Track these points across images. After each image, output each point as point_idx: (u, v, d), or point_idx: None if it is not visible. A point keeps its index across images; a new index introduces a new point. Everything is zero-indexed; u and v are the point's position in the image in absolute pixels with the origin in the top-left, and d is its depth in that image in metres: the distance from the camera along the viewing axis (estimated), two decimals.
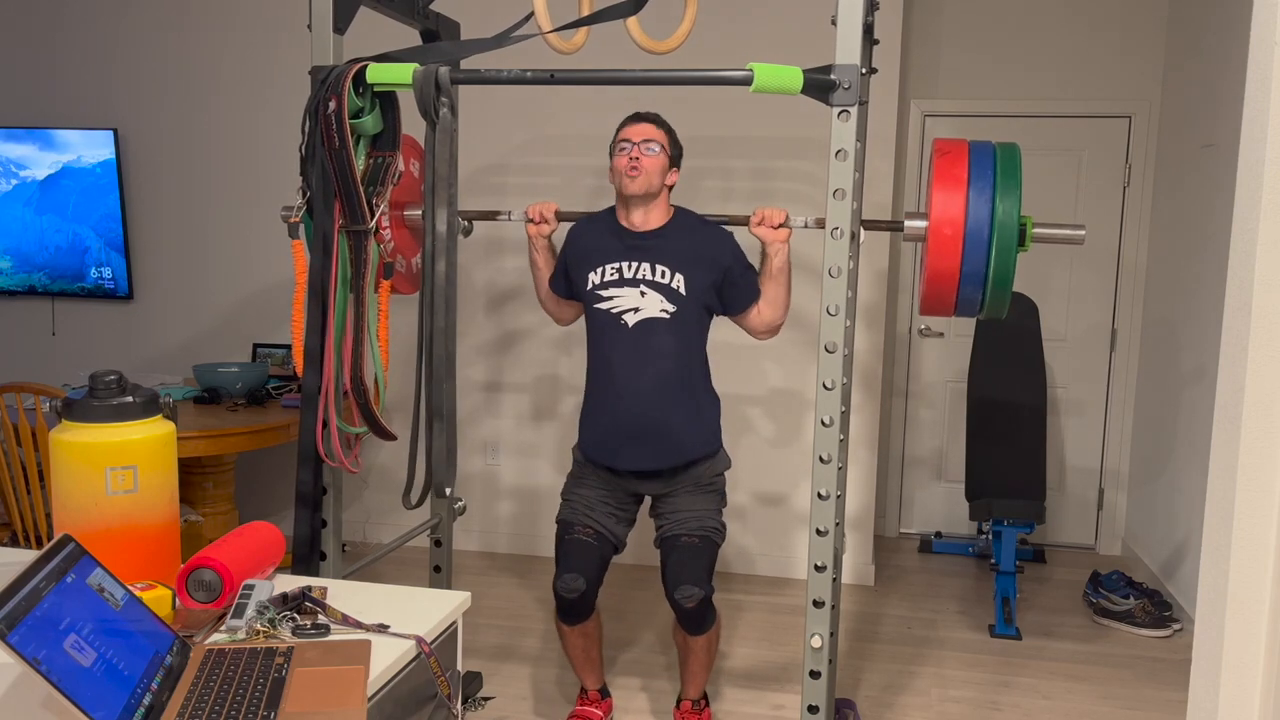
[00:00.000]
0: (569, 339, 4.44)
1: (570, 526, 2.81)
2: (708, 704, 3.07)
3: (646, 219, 2.76)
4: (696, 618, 2.77)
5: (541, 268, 2.91)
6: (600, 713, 3.05)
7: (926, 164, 2.79)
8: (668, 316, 2.71)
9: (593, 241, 2.80)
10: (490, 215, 2.90)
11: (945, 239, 2.34)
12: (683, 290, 2.72)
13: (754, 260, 2.81)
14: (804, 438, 4.33)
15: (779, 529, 4.41)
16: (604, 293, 2.75)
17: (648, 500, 2.90)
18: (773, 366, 4.31)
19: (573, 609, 2.82)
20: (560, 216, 2.83)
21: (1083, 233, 2.47)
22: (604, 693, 3.09)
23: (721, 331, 2.96)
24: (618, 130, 2.77)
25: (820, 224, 2.52)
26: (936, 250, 2.37)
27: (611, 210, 2.83)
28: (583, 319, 2.91)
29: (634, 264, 2.73)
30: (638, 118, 2.76)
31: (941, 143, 2.46)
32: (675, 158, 2.78)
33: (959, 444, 4.82)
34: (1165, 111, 4.50)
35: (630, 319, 2.72)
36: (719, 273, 2.75)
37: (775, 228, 2.65)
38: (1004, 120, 4.69)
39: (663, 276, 2.71)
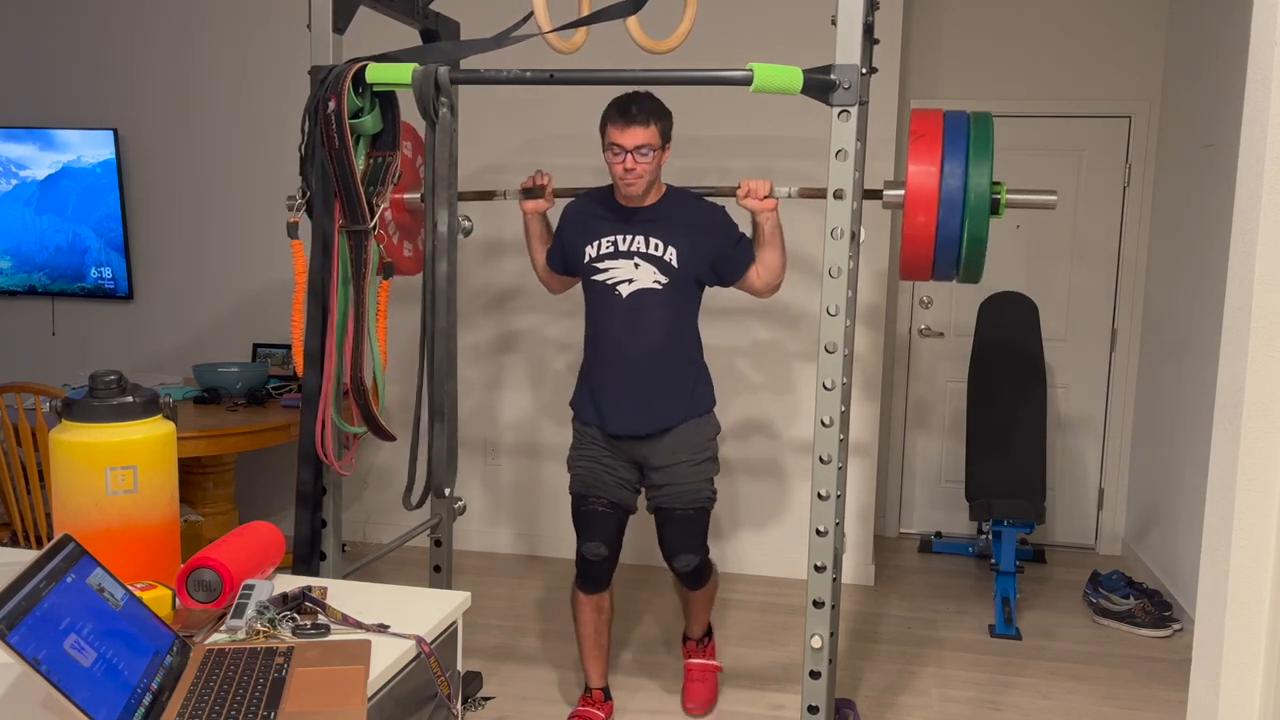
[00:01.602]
0: (568, 340, 4.44)
1: (585, 499, 2.95)
2: (710, 638, 3.27)
3: (642, 198, 2.84)
4: (694, 578, 3.00)
5: (535, 240, 3.01)
6: (602, 714, 3.08)
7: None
8: (660, 287, 2.82)
9: (589, 217, 2.90)
10: (487, 195, 2.97)
11: (920, 207, 2.42)
12: (675, 263, 2.81)
13: (745, 227, 2.88)
14: (805, 438, 4.33)
15: (778, 529, 4.41)
16: (600, 265, 2.85)
17: None
18: (774, 370, 4.31)
19: (594, 572, 2.96)
20: (556, 193, 2.92)
21: (1054, 198, 2.52)
22: (607, 694, 3.13)
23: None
24: (606, 123, 2.76)
25: (804, 194, 2.70)
26: (913, 219, 2.43)
27: (608, 189, 2.90)
28: (560, 289, 3.12)
29: (629, 237, 2.83)
30: (626, 118, 2.72)
31: (917, 121, 2.49)
32: (666, 139, 2.80)
33: (959, 444, 4.81)
34: (1165, 111, 4.50)
35: (624, 290, 2.83)
36: (710, 245, 2.84)
37: (762, 199, 2.71)
38: (1004, 120, 4.68)
39: (656, 249, 2.81)
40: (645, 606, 4.01)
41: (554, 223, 3.03)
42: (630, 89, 2.83)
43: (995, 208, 2.46)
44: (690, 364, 2.91)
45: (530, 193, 2.90)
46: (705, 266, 2.85)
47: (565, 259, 2.95)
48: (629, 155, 2.72)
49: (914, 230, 2.44)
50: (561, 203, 2.98)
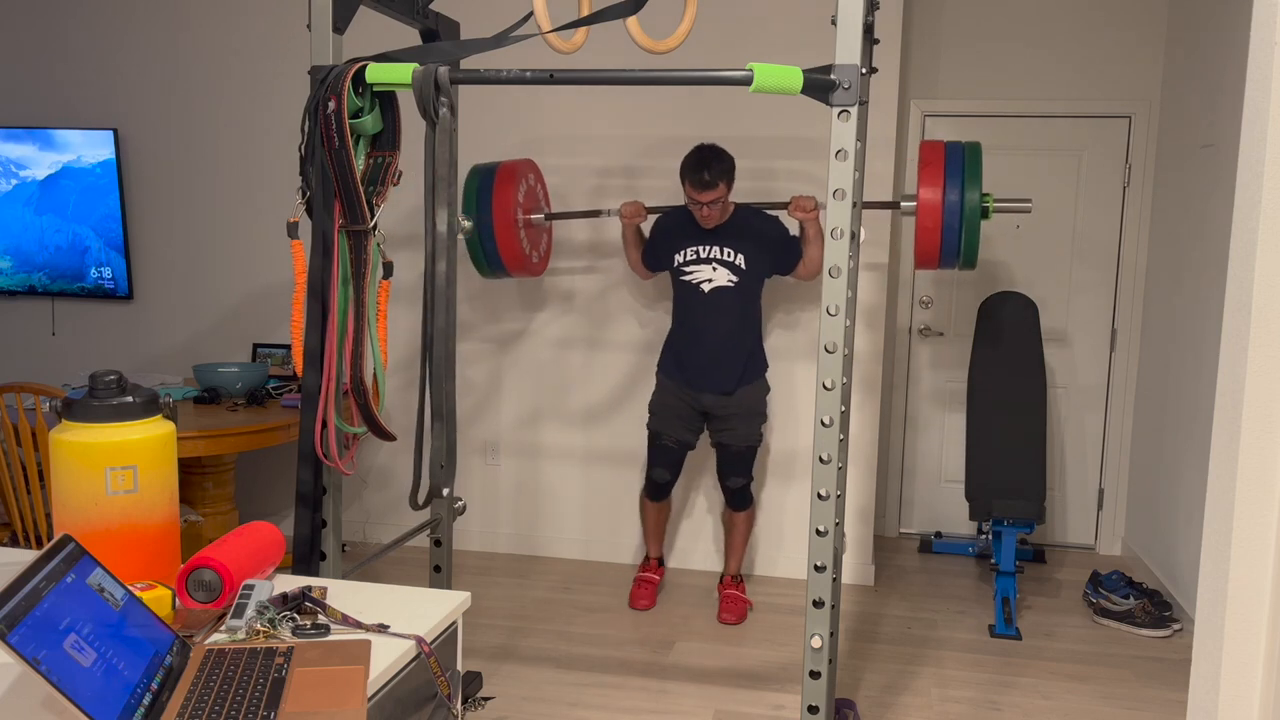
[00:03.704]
0: (569, 340, 4.44)
1: (659, 435, 3.93)
2: (743, 580, 4.11)
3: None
4: (739, 498, 3.95)
5: (631, 246, 3.91)
6: (657, 577, 4.12)
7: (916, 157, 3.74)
8: (732, 285, 3.74)
9: (677, 231, 3.80)
10: (594, 213, 3.77)
11: (929, 216, 3.21)
12: (743, 265, 3.73)
13: (794, 230, 3.78)
14: (805, 438, 4.33)
15: (778, 529, 4.41)
16: (687, 268, 3.78)
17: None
18: (774, 370, 4.31)
19: (659, 490, 4.02)
20: (648, 210, 3.79)
21: (1029, 204, 3.40)
22: (661, 561, 4.19)
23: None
24: (685, 181, 3.59)
25: None
26: (924, 224, 3.22)
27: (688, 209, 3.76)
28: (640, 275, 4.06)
29: (708, 247, 3.75)
30: (702, 185, 3.55)
31: (925, 151, 3.24)
32: (731, 184, 3.62)
33: (959, 444, 4.82)
34: (1165, 111, 4.50)
35: (706, 287, 3.76)
36: (769, 249, 3.76)
37: (808, 211, 3.55)
38: (1004, 120, 4.69)
39: (728, 256, 3.74)
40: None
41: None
42: (699, 143, 3.66)
43: (985, 213, 3.26)
44: (753, 340, 3.83)
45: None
46: (766, 265, 3.77)
47: (657, 260, 3.88)
48: (706, 206, 3.61)
49: (925, 233, 3.23)
50: (652, 216, 3.86)
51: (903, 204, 3.27)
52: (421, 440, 2.66)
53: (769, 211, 3.75)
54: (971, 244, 3.24)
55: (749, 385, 3.83)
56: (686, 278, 3.78)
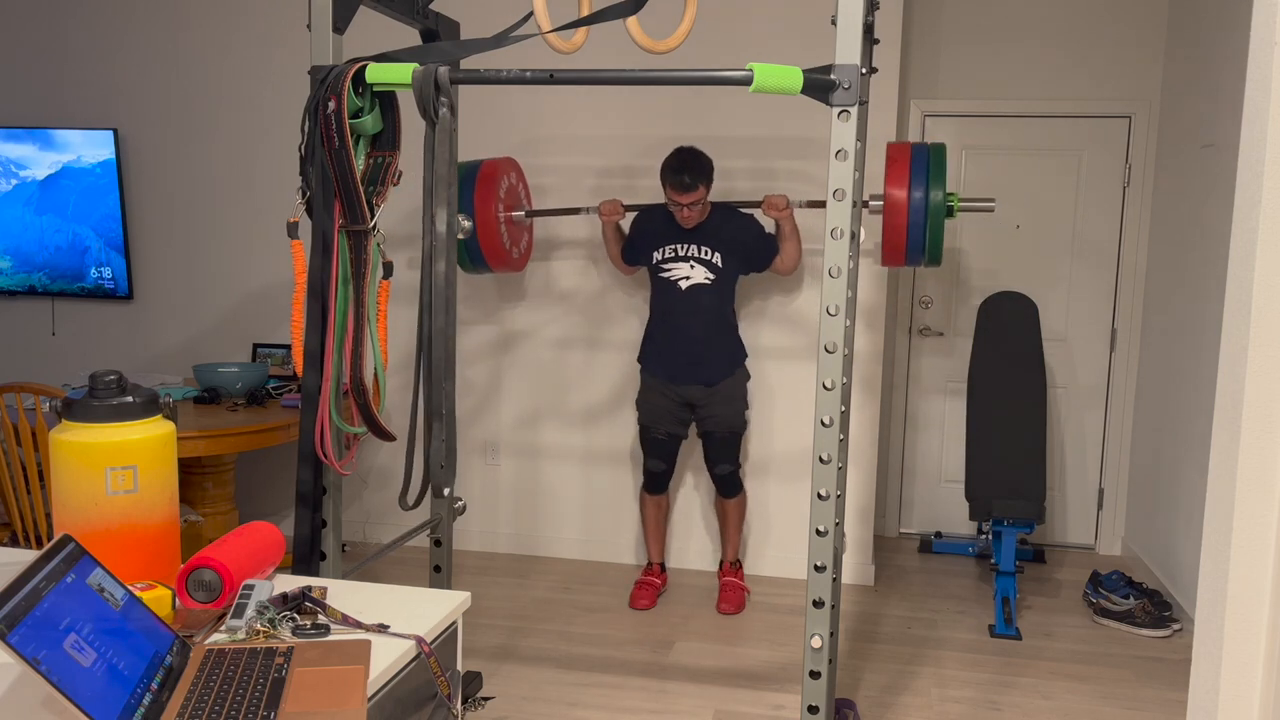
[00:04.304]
0: (568, 339, 4.44)
1: (649, 429, 4.03)
2: (740, 565, 4.19)
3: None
4: (728, 484, 4.03)
5: (611, 242, 4.00)
6: (659, 581, 4.16)
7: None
8: (709, 282, 3.84)
9: (656, 229, 3.90)
10: (574, 211, 3.87)
11: (895, 213, 3.29)
12: (719, 264, 3.83)
13: (769, 228, 3.91)
14: (804, 439, 4.33)
15: (778, 529, 4.41)
16: (665, 266, 3.87)
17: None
18: (774, 370, 4.31)
19: (656, 481, 4.09)
20: (625, 208, 3.87)
21: (993, 204, 3.49)
22: (663, 567, 4.23)
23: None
24: (665, 183, 3.69)
25: (812, 205, 3.68)
26: (890, 221, 3.31)
27: (667, 207, 3.84)
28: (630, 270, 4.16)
29: (686, 245, 3.84)
30: (682, 187, 3.66)
31: (891, 151, 3.34)
32: (710, 185, 3.72)
33: (959, 444, 4.82)
34: (1165, 111, 4.50)
35: (683, 284, 3.85)
36: (745, 247, 3.86)
37: (782, 209, 3.69)
38: (1004, 120, 4.69)
39: (705, 254, 3.83)
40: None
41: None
42: (679, 145, 3.81)
43: (950, 212, 3.36)
44: (730, 334, 3.92)
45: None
46: (741, 262, 3.87)
47: (637, 256, 3.97)
48: (686, 207, 3.71)
49: (891, 230, 3.34)
50: (630, 214, 3.96)
51: (870, 202, 3.36)
52: (413, 441, 2.66)
53: (744, 210, 3.84)
54: (936, 241, 3.35)
55: (729, 376, 3.93)
56: (664, 275, 3.87)
